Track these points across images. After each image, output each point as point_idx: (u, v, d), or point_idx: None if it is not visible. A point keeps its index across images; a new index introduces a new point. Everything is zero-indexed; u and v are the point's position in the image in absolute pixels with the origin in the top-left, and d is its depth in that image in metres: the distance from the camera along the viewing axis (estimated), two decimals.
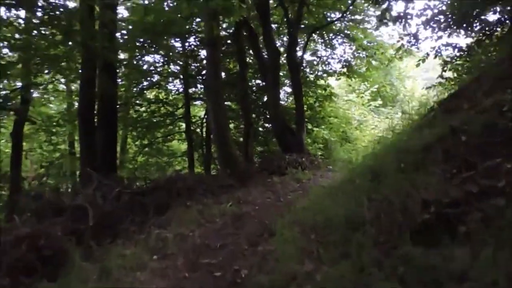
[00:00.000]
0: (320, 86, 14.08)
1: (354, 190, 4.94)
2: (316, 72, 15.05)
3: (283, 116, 12.51)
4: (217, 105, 9.89)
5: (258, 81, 15.02)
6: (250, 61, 14.02)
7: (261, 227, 5.54)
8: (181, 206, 6.60)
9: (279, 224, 5.44)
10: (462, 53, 8.98)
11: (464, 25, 8.58)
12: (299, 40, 13.14)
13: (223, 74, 12.95)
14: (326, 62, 15.12)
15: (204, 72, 13.71)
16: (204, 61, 13.83)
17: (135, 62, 14.01)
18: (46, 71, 11.87)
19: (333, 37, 14.63)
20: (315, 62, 15.19)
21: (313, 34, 13.66)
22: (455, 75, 9.39)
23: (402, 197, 3.95)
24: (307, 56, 14.87)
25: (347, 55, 14.73)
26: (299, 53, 13.59)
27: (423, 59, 9.44)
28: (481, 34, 8.60)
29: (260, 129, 14.65)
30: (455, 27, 8.74)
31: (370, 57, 14.49)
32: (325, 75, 14.87)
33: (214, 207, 6.62)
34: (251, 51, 13.55)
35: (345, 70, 14.72)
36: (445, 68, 9.19)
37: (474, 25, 8.59)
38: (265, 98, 14.83)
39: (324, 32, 14.34)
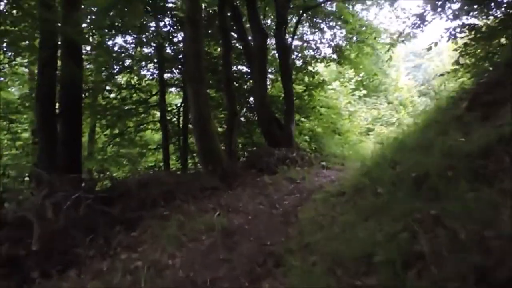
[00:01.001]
0: (308, 73, 12.85)
1: (390, 204, 3.78)
2: (304, 58, 13.81)
3: (270, 106, 11.27)
4: (198, 92, 8.53)
5: (241, 67, 13.71)
6: (234, 45, 12.70)
7: (261, 251, 4.30)
8: (157, 218, 5.29)
9: (284, 247, 4.24)
10: (481, 35, 7.88)
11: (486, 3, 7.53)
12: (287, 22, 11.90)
13: None
14: (315, 47, 13.89)
15: (181, 56, 12.30)
16: (181, 44, 12.45)
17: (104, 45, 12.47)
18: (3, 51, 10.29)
19: (322, 19, 13.41)
20: (303, 46, 13.93)
21: (303, 16, 12.40)
22: (470, 61, 8.35)
23: (476, 224, 2.81)
24: (295, 41, 13.58)
25: (338, 39, 13.54)
26: (288, 37, 12.31)
27: (436, 42, 8.31)
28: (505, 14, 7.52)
29: (243, 119, 13.32)
30: (475, 5, 7.67)
31: (362, 42, 13.36)
32: (313, 61, 13.64)
33: (197, 218, 5.32)
34: (234, 34, 12.22)
35: (335, 55, 13.54)
36: (463, 53, 8.08)
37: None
38: (248, 86, 13.63)
39: (312, 14, 13.13)
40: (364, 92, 18.86)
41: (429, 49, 8.56)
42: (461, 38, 8.32)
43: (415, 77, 34.57)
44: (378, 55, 13.98)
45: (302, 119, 12.40)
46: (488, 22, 7.99)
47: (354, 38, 13.15)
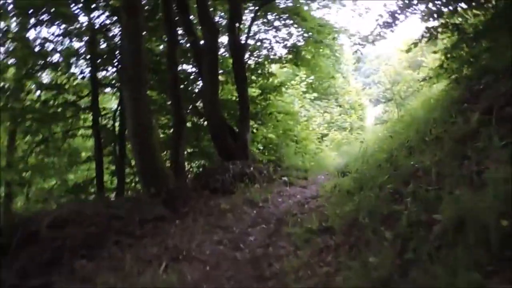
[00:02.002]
0: (263, 75, 11.54)
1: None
2: (258, 58, 12.49)
3: (222, 112, 9.84)
4: (137, 95, 6.93)
5: (186, 66, 12.17)
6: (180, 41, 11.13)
7: None
8: (74, 281, 3.69)
9: None
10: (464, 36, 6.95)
11: None
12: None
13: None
14: (269, 47, 12.62)
15: (118, 52, 10.53)
16: (117, 38, 10.69)
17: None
18: None
19: (277, 16, 12.18)
20: (256, 46, 12.60)
21: (258, 12, 11.09)
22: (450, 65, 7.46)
23: None
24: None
25: (294, 38, 12.34)
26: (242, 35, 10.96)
27: (416, 42, 7.28)
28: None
29: (189, 124, 11.71)
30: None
31: (319, 42, 12.27)
32: (267, 61, 12.36)
33: (134, 278, 3.80)
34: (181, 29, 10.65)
35: (291, 56, 12.34)
36: (448, 56, 7.12)
37: None
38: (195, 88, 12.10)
39: (267, 10, 11.87)
40: (315, 95, 17.89)
41: (409, 50, 7.55)
42: (442, 39, 7.39)
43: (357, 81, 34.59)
44: (336, 56, 12.95)
45: (258, 126, 11.07)
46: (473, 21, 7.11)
47: (312, 37, 12.01)
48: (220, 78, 11.78)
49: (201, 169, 8.74)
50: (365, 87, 30.70)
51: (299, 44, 12.41)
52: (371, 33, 8.54)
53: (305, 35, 11.97)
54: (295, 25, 12.08)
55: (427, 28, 7.20)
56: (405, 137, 6.30)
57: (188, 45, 10.61)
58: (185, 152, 10.39)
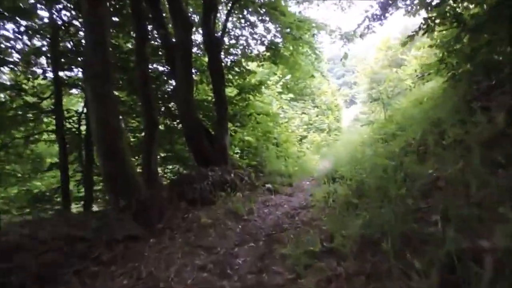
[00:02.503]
0: (242, 73, 10.78)
1: None
2: (234, 56, 11.75)
3: (197, 113, 9.06)
4: (103, 94, 6.08)
5: (156, 65, 11.27)
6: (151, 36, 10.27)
7: None
8: None
9: None
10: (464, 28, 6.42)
11: None
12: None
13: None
14: (246, 44, 11.89)
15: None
16: (82, 33, 9.75)
17: None
18: None
19: (254, 11, 11.47)
20: (231, 43, 11.84)
21: (234, 6, 10.36)
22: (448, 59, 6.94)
23: None
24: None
25: (272, 34, 11.67)
26: (217, 32, 10.22)
27: (412, 35, 6.70)
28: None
29: (162, 127, 10.84)
30: None
31: (298, 39, 11.65)
32: (244, 59, 11.63)
33: None
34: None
35: (269, 53, 11.64)
36: (449, 49, 6.59)
37: None
38: (167, 89, 11.25)
39: (243, 5, 11.15)
40: (291, 95, 17.29)
41: (404, 44, 6.98)
42: (439, 31, 6.85)
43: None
44: (317, 54, 12.33)
45: (236, 128, 10.30)
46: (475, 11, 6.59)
47: (291, 33, 11.35)
48: (194, 77, 11.02)
49: (176, 176, 7.89)
50: (340, 87, 30.48)
51: (277, 41, 11.75)
52: (358, 26, 7.99)
53: (284, 31, 11.30)
54: (273, 21, 11.40)
55: (424, 19, 6.66)
56: (406, 140, 5.72)
57: (159, 41, 9.76)
58: (158, 158, 9.56)
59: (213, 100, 9.56)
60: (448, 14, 6.39)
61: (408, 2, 7.89)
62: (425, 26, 6.56)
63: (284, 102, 16.06)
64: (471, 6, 6.55)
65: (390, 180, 4.50)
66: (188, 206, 6.36)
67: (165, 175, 9.81)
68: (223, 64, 10.63)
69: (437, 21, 6.53)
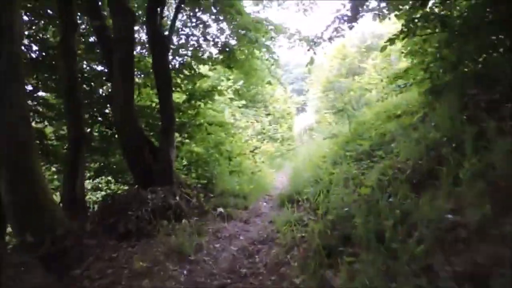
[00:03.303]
0: (191, 77, 9.46)
1: None
2: (183, 58, 10.43)
3: (138, 122, 7.70)
4: (6, 96, 4.66)
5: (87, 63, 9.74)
6: (82, 29, 8.77)
7: None
8: None
9: None
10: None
11: None
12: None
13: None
14: (197, 45, 10.63)
15: None
16: None
17: None
18: None
19: (206, 9, 10.26)
20: (181, 44, 10.52)
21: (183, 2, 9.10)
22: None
23: None
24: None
25: (226, 35, 10.50)
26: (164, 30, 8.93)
27: (393, 39, 5.76)
28: None
29: (96, 133, 9.25)
30: None
31: (254, 42, 10.59)
32: (194, 61, 10.34)
33: None
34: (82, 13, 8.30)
35: (222, 56, 10.44)
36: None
37: None
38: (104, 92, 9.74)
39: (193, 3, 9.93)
40: (243, 102, 16.17)
41: (383, 48, 6.04)
42: (421, 36, 5.97)
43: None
44: (274, 59, 11.27)
45: (183, 140, 8.95)
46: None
47: (247, 35, 10.24)
48: (137, 79, 9.63)
49: (106, 201, 6.48)
50: (291, 95, 29.79)
51: (231, 42, 10.59)
52: (327, 28, 7.01)
53: (239, 32, 10.16)
54: (227, 21, 10.25)
55: (406, 21, 5.75)
56: (391, 164, 4.74)
57: (95, 35, 8.30)
58: (88, 175, 8.11)
59: (158, 106, 8.22)
60: (432, 17, 5.54)
61: (382, 4, 7.07)
62: (405, 30, 5.68)
63: (237, 109, 14.93)
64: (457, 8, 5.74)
65: (384, 219, 3.46)
66: (120, 242, 5.03)
67: (95, 196, 8.28)
68: (170, 66, 9.36)
69: (419, 23, 5.68)
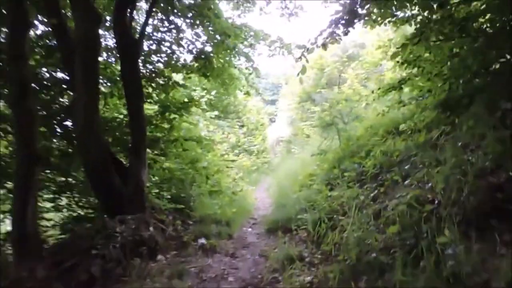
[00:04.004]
0: (165, 86, 8.46)
1: None
2: (155, 65, 9.42)
3: (104, 137, 6.66)
4: None
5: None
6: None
7: None
8: None
9: None
10: None
11: None
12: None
13: None
14: (170, 52, 9.65)
15: None
16: None
17: None
18: None
19: (180, 12, 9.35)
20: (152, 50, 9.52)
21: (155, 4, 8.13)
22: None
23: None
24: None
25: (203, 41, 9.59)
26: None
27: (405, 44, 5.02)
28: None
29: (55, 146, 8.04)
30: None
31: (232, 49, 9.77)
32: (167, 69, 9.35)
33: None
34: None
35: (197, 64, 9.51)
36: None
37: None
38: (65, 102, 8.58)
39: (167, 5, 9.01)
40: (216, 113, 15.23)
41: (395, 55, 5.30)
42: (436, 42, 5.26)
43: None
44: (255, 68, 10.42)
45: (155, 157, 7.89)
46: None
47: (225, 42, 9.37)
48: (103, 89, 8.58)
49: (64, 238, 5.36)
50: (265, 106, 29.09)
51: (208, 49, 9.69)
52: (321, 33, 6.22)
53: (216, 38, 9.29)
54: (204, 25, 9.35)
55: (421, 24, 5.03)
56: (423, 192, 3.93)
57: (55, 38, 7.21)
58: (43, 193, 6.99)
59: (127, 119, 7.21)
60: (450, 20, 4.83)
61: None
62: (420, 34, 4.96)
63: (211, 121, 13.99)
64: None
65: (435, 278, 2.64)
66: None
67: (53, 225, 7.07)
68: (141, 74, 8.39)
69: (435, 27, 4.96)
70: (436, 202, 3.47)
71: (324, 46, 6.31)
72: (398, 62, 7.30)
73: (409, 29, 7.95)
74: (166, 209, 6.74)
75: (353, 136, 7.91)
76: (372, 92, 7.85)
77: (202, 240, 5.84)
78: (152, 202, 6.58)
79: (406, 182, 4.27)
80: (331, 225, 4.93)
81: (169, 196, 7.81)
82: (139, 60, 8.16)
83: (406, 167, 4.72)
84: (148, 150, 7.49)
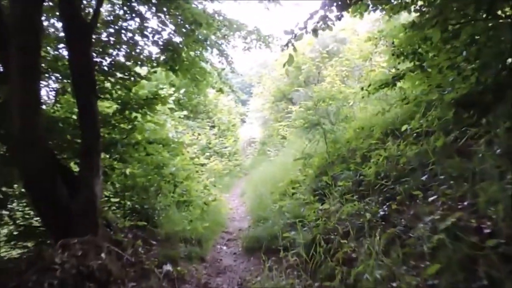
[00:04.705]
0: (125, 81, 7.31)
1: None
2: (113, 57, 8.22)
3: (46, 141, 5.46)
4: None
5: None
6: None
7: None
8: None
9: None
10: None
11: None
12: None
13: None
14: (132, 42, 8.48)
15: None
16: None
17: None
18: None
19: None
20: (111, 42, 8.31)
21: None
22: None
23: None
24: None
25: (170, 31, 8.49)
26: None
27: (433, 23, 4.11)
28: None
29: None
30: None
31: (204, 40, 8.80)
32: (130, 62, 8.19)
33: None
34: None
35: (165, 56, 8.39)
36: None
37: None
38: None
39: None
40: (185, 113, 14.05)
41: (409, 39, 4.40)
42: (455, 25, 4.39)
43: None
44: (229, 62, 9.40)
45: (113, 163, 6.68)
46: None
47: (196, 32, 8.32)
48: (53, 84, 7.37)
49: None
50: (236, 105, 27.98)
51: (176, 40, 8.59)
52: (311, 16, 5.30)
53: (187, 26, 8.21)
54: (171, 13, 8.24)
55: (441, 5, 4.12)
56: (464, 216, 3.00)
57: None
58: None
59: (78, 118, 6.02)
60: None
61: None
62: (439, 13, 4.06)
63: (179, 121, 12.87)
64: None
65: None
66: None
67: None
68: (97, 67, 7.26)
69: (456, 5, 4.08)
70: (487, 231, 2.55)
71: (315, 32, 5.38)
72: (393, 55, 6.55)
73: (402, 19, 7.17)
74: (125, 226, 5.61)
75: (341, 138, 7.01)
76: (362, 89, 7.00)
77: (168, 267, 4.77)
78: (107, 218, 5.45)
79: (431, 198, 3.35)
80: (329, 250, 3.97)
81: (130, 208, 6.68)
82: (95, 51, 7.06)
83: (423, 178, 3.81)
84: (104, 154, 6.36)
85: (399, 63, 6.56)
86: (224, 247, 6.21)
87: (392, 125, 5.91)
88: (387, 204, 3.92)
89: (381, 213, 3.82)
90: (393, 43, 6.82)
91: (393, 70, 8.77)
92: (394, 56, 6.43)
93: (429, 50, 5.52)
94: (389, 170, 4.47)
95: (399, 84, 6.24)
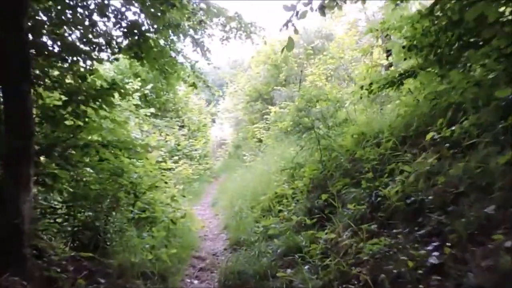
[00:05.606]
0: (72, 64, 5.87)
1: None
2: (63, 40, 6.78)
3: None
4: None
5: None
6: None
7: None
8: None
9: None
10: None
11: None
12: None
13: None
14: (89, 23, 7.07)
15: None
16: None
17: None
18: None
19: None
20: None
21: None
22: None
23: None
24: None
25: (135, 12, 7.16)
26: None
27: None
28: None
29: None
30: None
31: (177, 26, 7.60)
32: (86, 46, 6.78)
33: None
34: None
35: (128, 41, 7.02)
36: None
37: None
38: None
39: None
40: (152, 110, 12.62)
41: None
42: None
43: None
44: (204, 52, 8.12)
45: (56, 170, 5.21)
46: None
47: (165, 14, 7.03)
48: None
49: None
50: (207, 104, 26.56)
51: (143, 23, 7.26)
52: None
53: (156, 6, 6.90)
54: None
55: None
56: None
57: None
58: None
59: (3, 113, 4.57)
60: None
61: None
62: None
63: (145, 120, 11.43)
64: None
65: None
66: None
67: None
68: (37, 49, 5.82)
69: None
70: None
71: (322, 9, 4.20)
72: (403, 47, 5.56)
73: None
74: (65, 255, 4.23)
75: (337, 146, 5.85)
76: (362, 88, 5.91)
77: None
78: (39, 247, 4.07)
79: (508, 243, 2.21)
80: None
81: (80, 223, 5.26)
82: (42, 31, 5.71)
83: (486, 210, 2.67)
84: (42, 158, 4.96)
85: (405, 59, 5.61)
86: (196, 282, 4.90)
87: (405, 131, 4.81)
88: (435, 245, 2.75)
89: (429, 261, 2.63)
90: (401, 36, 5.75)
91: (392, 68, 7.73)
92: (405, 49, 5.41)
93: (451, 42, 4.48)
94: (424, 193, 3.32)
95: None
